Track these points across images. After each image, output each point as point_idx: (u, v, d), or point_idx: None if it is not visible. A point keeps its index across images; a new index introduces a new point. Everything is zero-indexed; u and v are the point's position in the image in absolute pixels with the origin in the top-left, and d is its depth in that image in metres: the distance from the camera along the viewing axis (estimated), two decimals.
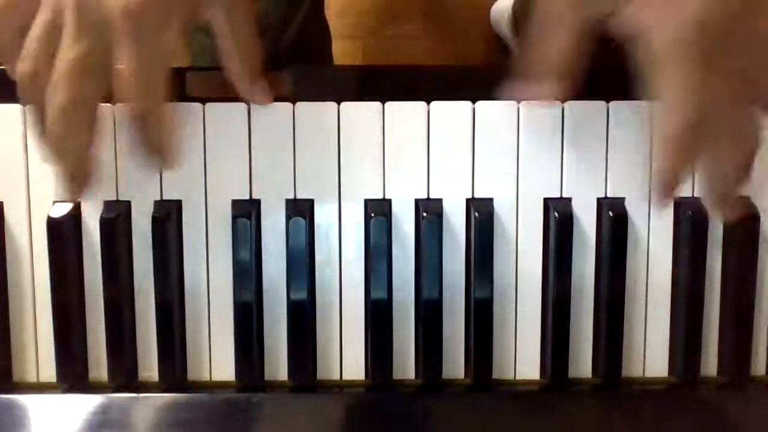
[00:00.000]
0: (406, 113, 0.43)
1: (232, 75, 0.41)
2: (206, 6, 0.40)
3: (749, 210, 0.42)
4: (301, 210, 0.42)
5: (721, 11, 0.37)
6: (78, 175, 0.39)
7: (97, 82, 0.38)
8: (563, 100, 0.42)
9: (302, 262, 0.42)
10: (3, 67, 0.40)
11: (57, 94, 0.37)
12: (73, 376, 0.43)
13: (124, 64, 0.37)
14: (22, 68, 0.38)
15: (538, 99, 0.42)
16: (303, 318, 0.43)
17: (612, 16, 0.39)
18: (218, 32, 0.40)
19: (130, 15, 0.36)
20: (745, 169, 0.39)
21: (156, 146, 0.39)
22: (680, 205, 0.43)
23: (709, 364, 0.44)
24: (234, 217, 0.42)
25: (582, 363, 0.44)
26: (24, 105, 0.40)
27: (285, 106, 0.43)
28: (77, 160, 0.39)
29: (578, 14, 0.39)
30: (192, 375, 0.44)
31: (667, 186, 0.39)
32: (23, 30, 0.39)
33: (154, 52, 0.38)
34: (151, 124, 0.38)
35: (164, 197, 0.43)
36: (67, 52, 0.37)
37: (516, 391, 0.44)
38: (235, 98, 0.42)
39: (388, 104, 0.43)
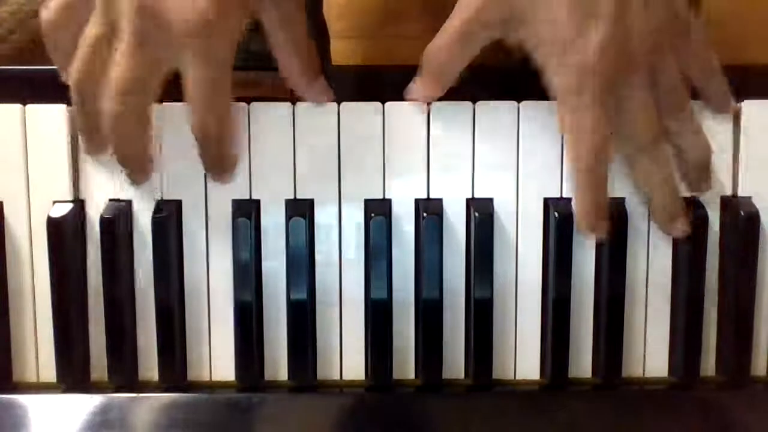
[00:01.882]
0: (406, 113, 0.43)
1: (290, 75, 0.42)
2: (262, 9, 0.40)
3: (749, 210, 0.42)
4: (301, 210, 0.42)
5: (615, 55, 0.38)
6: (137, 174, 0.41)
7: (152, 91, 0.39)
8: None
9: (302, 262, 0.42)
10: (3, 67, 0.40)
11: (114, 105, 0.38)
12: (73, 376, 0.43)
13: (189, 79, 0.37)
14: (75, 74, 0.39)
15: (422, 99, 0.42)
16: (303, 318, 0.43)
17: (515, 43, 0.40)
18: (272, 33, 0.41)
19: (197, 33, 0.36)
20: (670, 188, 0.41)
21: (222, 162, 0.40)
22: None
23: (709, 364, 0.44)
24: (234, 217, 0.42)
25: (582, 363, 0.44)
26: (75, 107, 0.40)
27: (285, 106, 0.43)
28: (135, 161, 0.40)
29: (480, 33, 0.41)
30: (192, 375, 0.44)
31: (592, 216, 0.40)
32: (78, 34, 0.39)
33: (223, 67, 0.38)
34: (223, 141, 0.39)
35: (164, 197, 0.43)
36: (125, 63, 0.37)
37: (516, 391, 0.44)
38: (236, 98, 0.42)
39: (388, 104, 0.43)
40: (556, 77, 0.39)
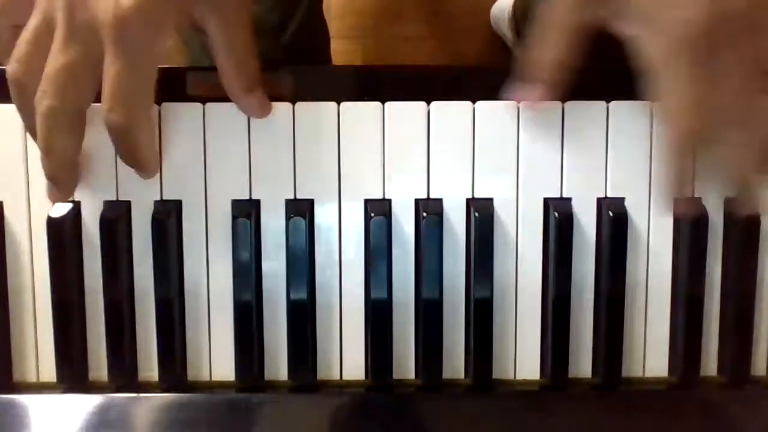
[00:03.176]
0: (406, 113, 0.43)
1: (225, 81, 0.41)
2: (198, 13, 0.39)
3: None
4: (301, 210, 0.42)
5: (719, 12, 0.36)
6: (60, 179, 0.40)
7: (84, 88, 0.38)
8: (563, 101, 0.42)
9: (302, 262, 0.42)
10: (3, 67, 0.40)
11: (44, 100, 0.37)
12: (73, 376, 0.43)
13: (107, 69, 0.37)
14: (11, 71, 0.38)
15: (534, 101, 0.42)
16: (303, 318, 0.43)
17: (608, 21, 0.39)
18: (211, 40, 0.40)
19: (119, 24, 0.36)
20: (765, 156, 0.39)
21: (134, 156, 0.39)
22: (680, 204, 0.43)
23: (709, 364, 0.44)
24: (234, 217, 0.42)
25: (582, 363, 0.44)
26: (15, 106, 0.40)
27: (285, 106, 0.43)
28: (61, 164, 0.39)
29: (574, 19, 0.39)
30: (192, 375, 0.44)
31: (672, 190, 0.39)
32: (18, 31, 0.39)
33: (140, 62, 0.37)
34: (129, 134, 0.38)
35: (164, 197, 0.43)
36: (56, 58, 0.37)
37: (516, 391, 0.44)
38: None
39: (388, 104, 0.43)
40: (652, 42, 0.37)
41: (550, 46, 0.40)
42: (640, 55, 0.38)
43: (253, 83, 0.41)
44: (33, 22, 0.38)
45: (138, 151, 0.39)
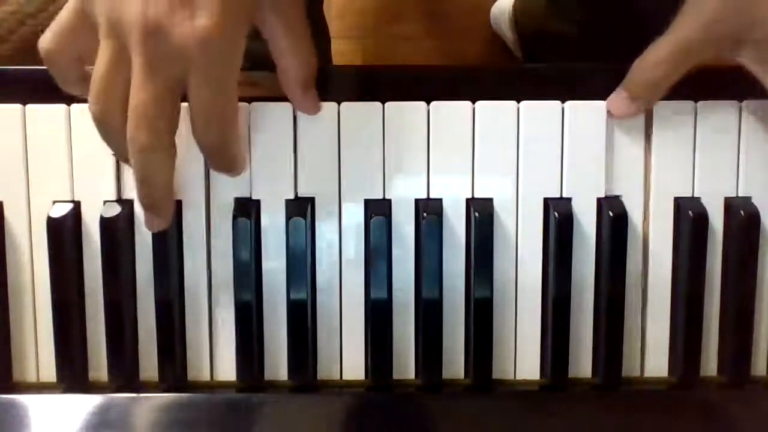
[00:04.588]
0: (406, 113, 0.43)
1: (288, 83, 0.41)
2: (260, 19, 0.39)
3: (749, 210, 0.42)
4: (301, 210, 0.42)
5: None
6: (159, 207, 0.39)
7: (173, 115, 0.37)
8: (562, 101, 0.42)
9: (302, 262, 0.42)
10: (4, 67, 0.40)
11: (139, 135, 0.36)
12: (73, 376, 0.43)
13: (197, 94, 0.36)
14: (94, 110, 0.37)
15: (624, 115, 0.42)
16: (303, 318, 0.43)
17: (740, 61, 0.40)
18: (273, 42, 0.40)
19: (205, 48, 0.35)
20: None
21: (230, 166, 0.40)
22: (680, 205, 0.43)
23: (709, 364, 0.44)
24: (234, 217, 0.42)
25: (582, 363, 0.44)
26: (102, 138, 0.39)
27: (285, 107, 0.43)
28: (159, 193, 0.38)
29: (704, 56, 0.40)
30: (192, 375, 0.44)
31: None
32: (81, 59, 0.39)
33: (228, 81, 0.37)
34: (227, 151, 0.39)
35: None
36: (141, 91, 0.36)
37: (516, 391, 0.44)
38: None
39: (388, 104, 0.43)
40: None
41: (666, 72, 0.40)
42: None
43: (311, 81, 0.42)
44: (104, 57, 0.37)
45: (235, 161, 0.40)
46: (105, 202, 0.43)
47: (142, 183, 0.38)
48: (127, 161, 0.38)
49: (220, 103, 0.37)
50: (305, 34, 0.41)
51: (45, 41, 0.39)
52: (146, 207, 0.39)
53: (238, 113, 0.39)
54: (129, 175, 0.43)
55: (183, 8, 0.35)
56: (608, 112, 0.42)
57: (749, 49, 0.39)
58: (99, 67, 0.37)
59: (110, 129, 0.38)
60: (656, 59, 0.40)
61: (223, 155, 0.39)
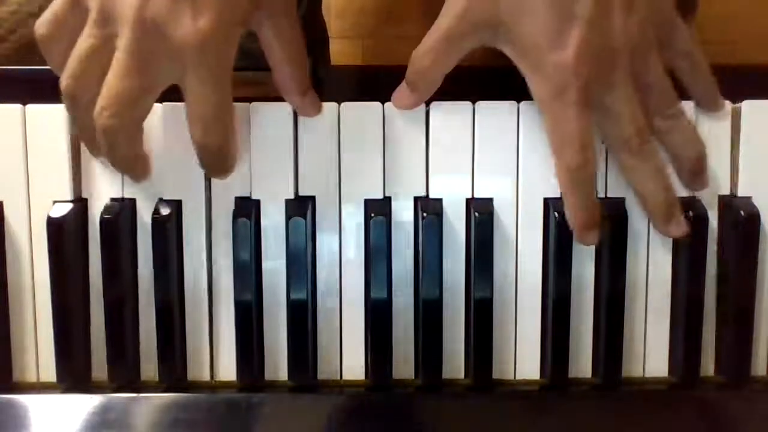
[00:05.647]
0: (406, 113, 0.43)
1: (284, 88, 0.42)
2: (256, 24, 0.40)
3: (749, 210, 0.42)
4: (301, 210, 0.42)
5: (598, 48, 0.39)
6: (131, 167, 0.40)
7: (143, 110, 0.38)
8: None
9: (302, 262, 0.42)
10: (4, 67, 0.40)
11: (103, 118, 0.37)
12: (73, 376, 0.43)
13: (189, 95, 0.37)
14: (66, 85, 0.38)
15: (406, 106, 0.43)
16: (303, 318, 0.43)
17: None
18: (267, 47, 0.41)
19: (201, 48, 0.36)
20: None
21: (224, 167, 0.40)
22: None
23: (709, 364, 0.44)
24: (234, 217, 0.42)
25: (582, 363, 0.44)
26: (69, 115, 0.40)
27: (285, 106, 0.43)
28: (127, 165, 0.40)
29: (463, 44, 0.41)
30: (192, 375, 0.44)
31: (587, 221, 0.41)
32: (72, 43, 0.39)
33: (223, 81, 0.38)
34: (224, 150, 0.39)
35: (164, 197, 0.43)
36: (118, 82, 0.37)
37: (516, 391, 0.44)
38: (236, 98, 0.42)
39: (388, 104, 0.43)
40: (537, 82, 0.39)
41: (434, 61, 0.41)
42: (530, 89, 0.40)
43: (308, 85, 0.42)
44: (88, 38, 0.38)
45: (229, 162, 0.40)
46: (107, 200, 0.43)
47: (109, 152, 0.39)
48: (86, 139, 0.40)
49: (218, 103, 0.38)
50: (299, 41, 0.41)
51: (40, 26, 0.40)
52: (120, 170, 0.41)
53: (234, 113, 0.40)
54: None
55: (182, 9, 0.36)
56: (393, 104, 0.43)
57: (502, 36, 0.40)
58: (80, 49, 0.38)
59: (79, 105, 0.39)
60: (425, 49, 0.41)
61: (219, 156, 0.39)
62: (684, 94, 0.42)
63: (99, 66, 0.38)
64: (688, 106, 0.42)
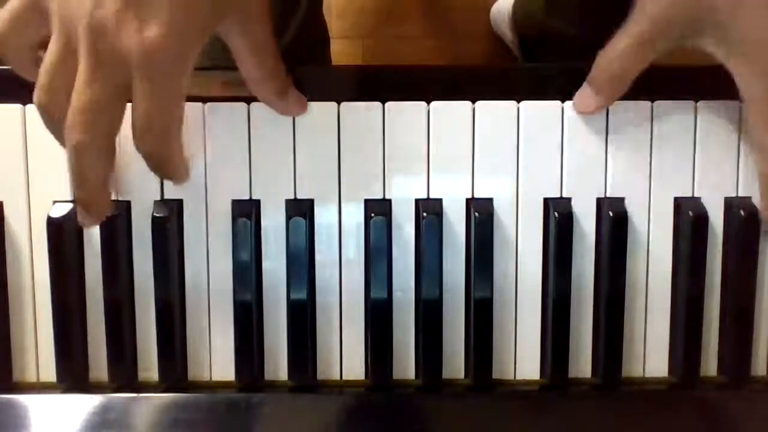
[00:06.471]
0: (406, 113, 0.43)
1: (257, 94, 0.41)
2: (224, 31, 0.38)
3: (749, 210, 0.42)
4: (301, 210, 0.42)
5: None
6: (92, 204, 0.38)
7: (114, 119, 0.36)
8: (562, 100, 0.42)
9: (302, 262, 0.42)
10: (3, 67, 0.40)
11: (74, 133, 0.36)
12: (73, 376, 0.43)
13: (138, 103, 0.35)
14: (37, 100, 0.37)
15: (590, 111, 0.42)
16: (303, 318, 0.43)
17: (702, 49, 0.39)
18: (235, 52, 0.40)
19: (147, 59, 0.34)
20: None
21: (170, 174, 0.39)
22: (680, 205, 0.43)
23: (709, 364, 0.44)
24: (234, 217, 0.42)
25: (582, 363, 0.44)
26: (47, 129, 0.38)
27: None
28: (93, 191, 0.38)
29: (663, 45, 0.39)
30: (192, 375, 0.44)
31: None
32: (34, 45, 0.38)
33: (172, 96, 0.36)
34: (168, 162, 0.38)
35: (164, 197, 0.43)
36: (82, 91, 0.35)
37: (516, 391, 0.44)
38: (235, 98, 0.42)
39: (388, 104, 0.43)
40: (756, 82, 0.37)
41: (627, 65, 0.40)
42: (740, 88, 0.38)
43: (285, 86, 0.41)
44: (54, 48, 0.36)
45: (174, 171, 0.39)
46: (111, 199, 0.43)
47: (74, 178, 0.37)
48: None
49: (161, 114, 0.36)
50: (273, 46, 0.40)
51: None
52: (78, 201, 0.38)
53: (181, 125, 0.38)
54: (128, 175, 0.43)
55: (131, 15, 0.34)
56: (574, 108, 0.42)
57: (710, 34, 0.38)
58: (48, 58, 0.37)
59: (52, 120, 0.37)
60: (616, 52, 0.40)
61: (160, 164, 0.38)
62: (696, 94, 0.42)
63: (69, 74, 0.36)
64: (687, 106, 0.42)
